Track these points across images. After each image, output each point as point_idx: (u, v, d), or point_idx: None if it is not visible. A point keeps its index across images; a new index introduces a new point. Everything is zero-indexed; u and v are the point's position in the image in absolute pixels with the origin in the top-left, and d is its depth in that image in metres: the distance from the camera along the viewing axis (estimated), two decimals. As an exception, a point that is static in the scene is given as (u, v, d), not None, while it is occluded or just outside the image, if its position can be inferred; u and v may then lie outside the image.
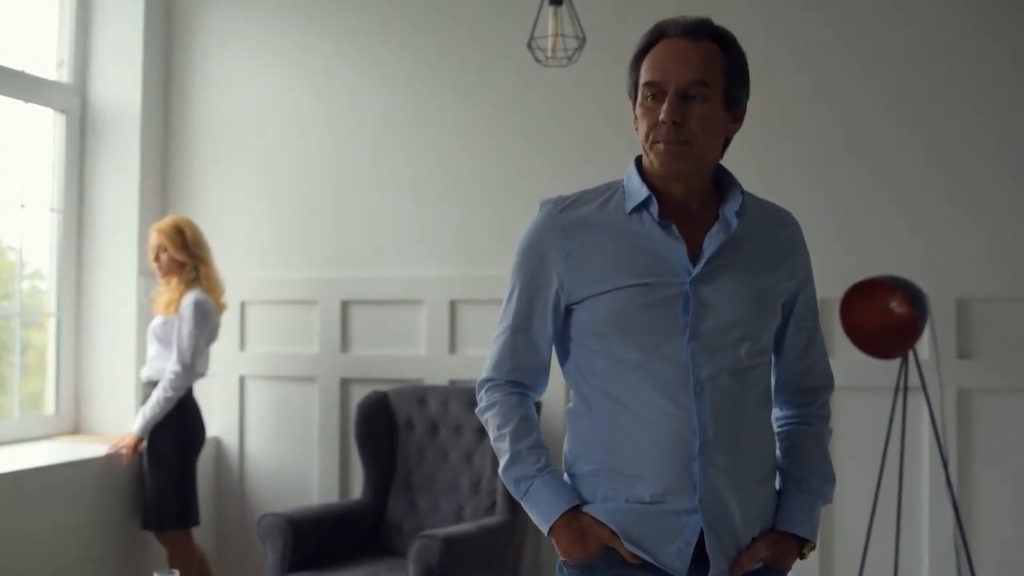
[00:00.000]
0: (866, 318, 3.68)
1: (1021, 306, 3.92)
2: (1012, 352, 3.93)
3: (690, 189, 1.94)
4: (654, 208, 1.91)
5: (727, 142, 2.00)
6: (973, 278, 3.97)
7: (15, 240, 4.61)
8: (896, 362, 3.77)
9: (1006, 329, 3.94)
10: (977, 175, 3.99)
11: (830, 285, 3.90)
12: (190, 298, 4.16)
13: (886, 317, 3.66)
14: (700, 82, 1.87)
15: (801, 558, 1.99)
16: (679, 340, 1.87)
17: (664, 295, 1.88)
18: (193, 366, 4.14)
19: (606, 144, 4.11)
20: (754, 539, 1.93)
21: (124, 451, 4.15)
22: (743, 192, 1.97)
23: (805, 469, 2.01)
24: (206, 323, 4.18)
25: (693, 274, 1.88)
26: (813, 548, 2.00)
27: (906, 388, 3.75)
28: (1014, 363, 3.92)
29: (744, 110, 1.98)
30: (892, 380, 3.81)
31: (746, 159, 4.02)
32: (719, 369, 1.88)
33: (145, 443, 4.16)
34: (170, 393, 4.11)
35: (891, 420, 3.76)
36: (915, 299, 3.62)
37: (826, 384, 2.09)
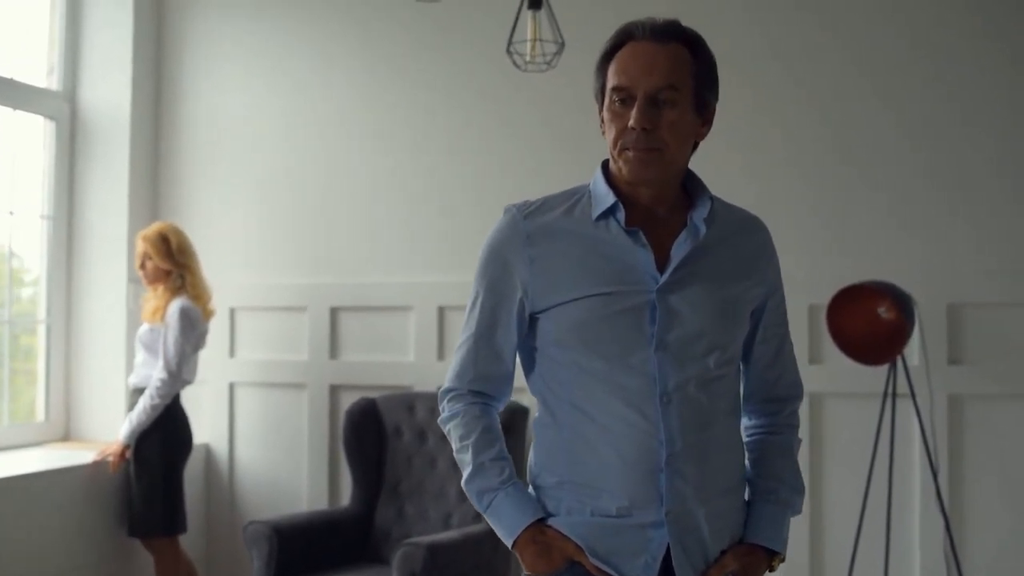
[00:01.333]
0: (853, 323, 3.65)
1: (1014, 312, 3.88)
2: (1005, 357, 3.88)
3: (658, 195, 1.90)
4: (621, 215, 1.87)
5: (696, 145, 1.94)
6: (965, 283, 3.92)
7: (5, 247, 4.60)
8: (884, 368, 3.73)
9: (999, 335, 3.89)
10: (971, 179, 3.95)
11: (818, 290, 3.88)
12: (175, 305, 4.15)
13: (874, 323, 3.63)
14: (670, 87, 1.82)
15: (770, 570, 1.96)
16: (646, 350, 1.83)
17: (630, 304, 1.84)
18: (179, 373, 4.13)
19: (595, 148, 4.05)
20: (723, 552, 1.90)
21: (111, 459, 4.14)
22: (712, 198, 1.93)
23: (774, 480, 1.98)
24: (192, 330, 4.17)
25: (660, 282, 1.84)
26: (783, 560, 1.97)
27: (895, 394, 3.71)
28: (1007, 369, 3.87)
29: (713, 113, 1.93)
30: (880, 386, 3.77)
31: (735, 160, 4.03)
32: (687, 379, 1.84)
33: (131, 450, 4.15)
34: (156, 400, 4.09)
35: (879, 427, 3.72)
36: (903, 304, 3.58)
37: (795, 393, 2.06)
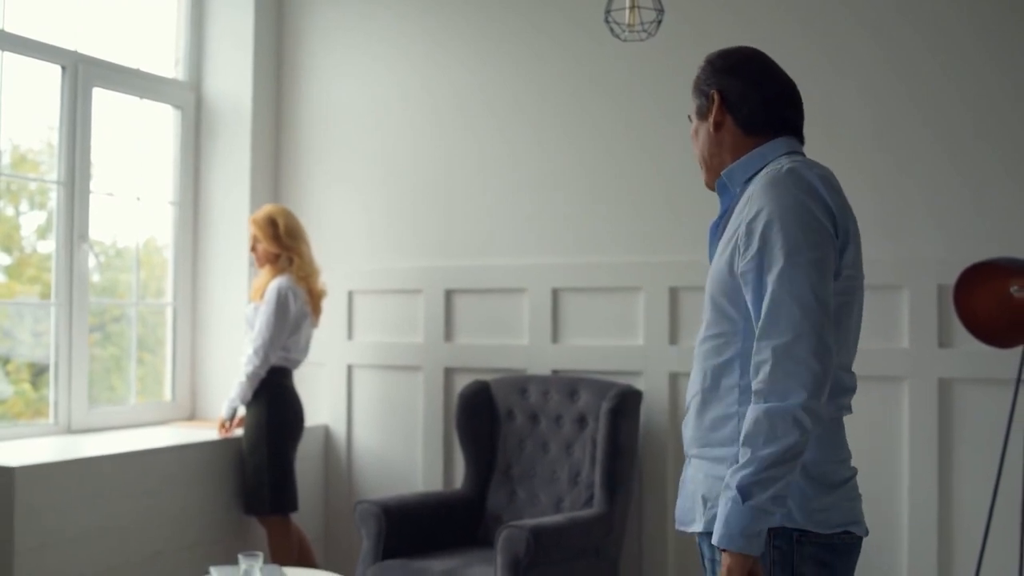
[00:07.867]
0: (983, 303, 3.41)
1: None
2: None
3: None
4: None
5: (748, 122, 2.02)
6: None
7: (135, 233, 4.77)
8: (1019, 352, 3.48)
9: None
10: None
11: (947, 268, 3.66)
12: (274, 284, 4.23)
13: (1005, 302, 3.38)
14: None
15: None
16: None
17: None
18: (268, 348, 4.17)
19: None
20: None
21: (224, 435, 4.30)
22: (749, 180, 1.97)
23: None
24: (285, 308, 4.21)
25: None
26: (724, 551, 1.75)
27: (1030, 380, 3.46)
28: None
29: (707, 103, 2.07)
30: (1013, 372, 3.52)
31: (865, 132, 3.83)
32: (700, 339, 1.99)
33: (244, 430, 4.25)
34: (242, 378, 4.19)
35: (1012, 415, 3.47)
36: (1038, 283, 3.33)
37: (757, 348, 1.78)
